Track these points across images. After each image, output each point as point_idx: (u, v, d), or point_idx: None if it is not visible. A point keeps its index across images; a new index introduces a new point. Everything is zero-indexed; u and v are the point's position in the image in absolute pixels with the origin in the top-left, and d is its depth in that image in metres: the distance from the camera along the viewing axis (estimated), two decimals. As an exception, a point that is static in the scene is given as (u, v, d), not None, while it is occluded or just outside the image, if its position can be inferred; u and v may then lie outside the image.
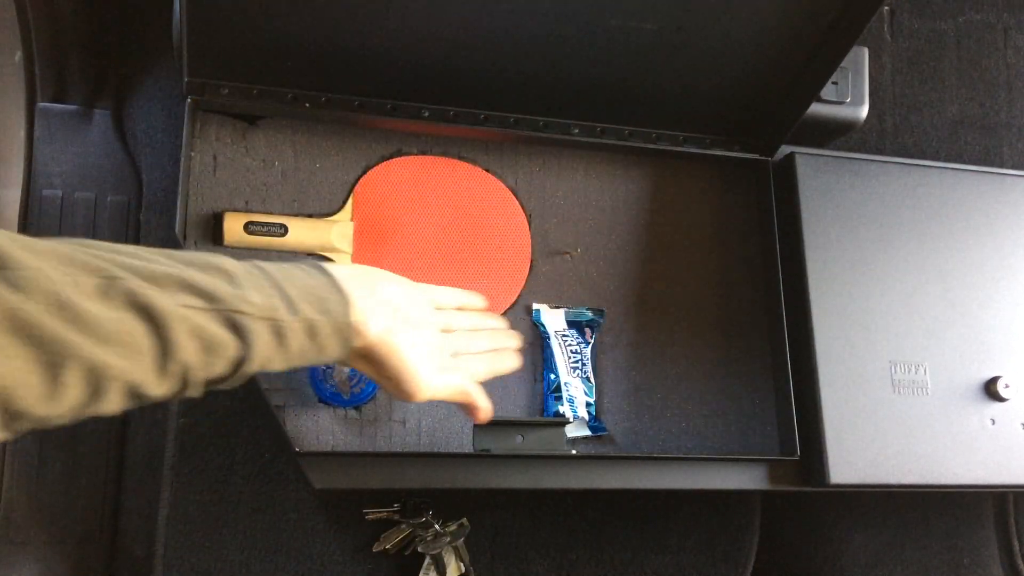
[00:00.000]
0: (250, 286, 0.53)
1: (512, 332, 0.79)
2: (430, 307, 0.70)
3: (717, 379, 0.93)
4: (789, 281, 0.92)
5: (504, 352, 0.77)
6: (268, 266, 0.57)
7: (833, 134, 1.00)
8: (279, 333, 0.54)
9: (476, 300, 0.77)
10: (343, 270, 0.62)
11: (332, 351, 0.59)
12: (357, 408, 0.83)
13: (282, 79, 0.84)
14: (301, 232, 0.85)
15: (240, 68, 0.82)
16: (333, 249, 0.85)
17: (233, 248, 0.83)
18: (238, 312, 0.51)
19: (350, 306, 0.59)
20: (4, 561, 0.97)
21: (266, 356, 0.54)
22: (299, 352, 0.56)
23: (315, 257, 0.85)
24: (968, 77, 1.28)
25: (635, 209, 0.95)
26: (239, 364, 0.52)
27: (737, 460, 0.87)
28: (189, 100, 0.82)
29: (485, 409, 0.72)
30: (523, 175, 0.93)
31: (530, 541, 0.95)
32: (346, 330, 0.59)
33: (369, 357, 0.63)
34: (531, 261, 0.91)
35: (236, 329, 0.51)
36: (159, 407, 0.99)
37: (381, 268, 0.67)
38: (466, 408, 0.72)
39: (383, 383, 0.66)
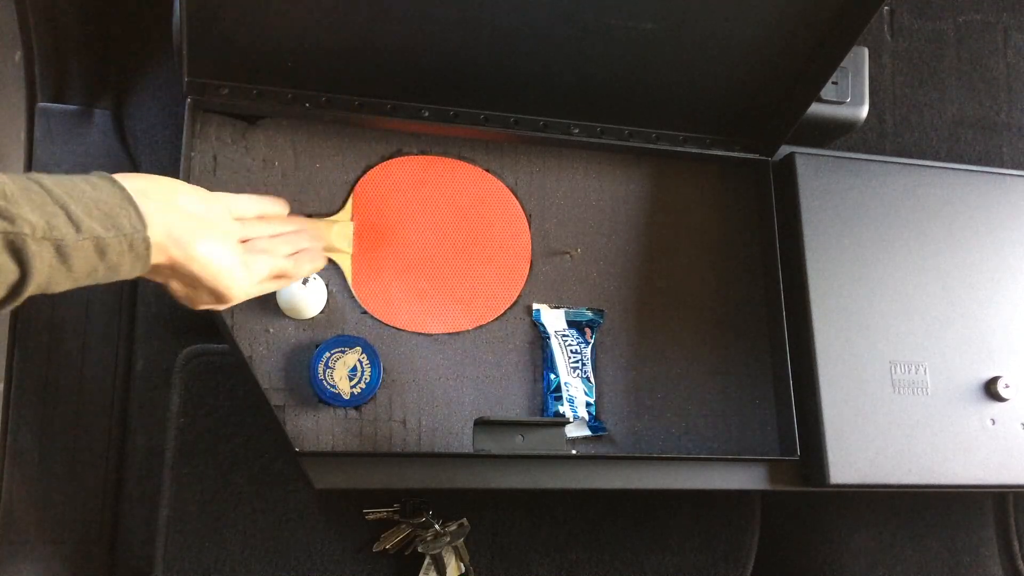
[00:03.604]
0: (27, 204, 0.51)
1: (314, 233, 0.80)
2: (229, 217, 0.69)
3: (717, 379, 0.93)
4: (789, 281, 0.92)
5: (307, 252, 0.77)
6: (49, 180, 0.54)
7: (833, 134, 1.00)
8: (62, 253, 0.52)
9: (276, 207, 0.77)
10: (137, 181, 0.60)
11: (127, 269, 0.57)
12: (357, 408, 0.83)
13: (282, 79, 0.84)
14: (301, 232, 0.84)
15: (240, 68, 0.82)
16: (333, 249, 0.85)
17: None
18: (13, 234, 0.49)
19: (145, 221, 0.57)
20: (4, 561, 0.97)
21: (47, 278, 0.52)
22: (87, 272, 0.55)
23: (315, 257, 0.85)
24: (968, 77, 1.28)
25: (635, 209, 0.95)
26: (17, 288, 0.51)
27: (737, 460, 0.87)
28: (189, 100, 0.82)
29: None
30: (523, 175, 0.93)
31: (530, 541, 0.95)
32: (140, 246, 0.57)
33: (174, 270, 0.62)
34: (531, 261, 0.91)
35: (14, 252, 0.50)
36: (159, 407, 1.00)
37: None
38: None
39: (190, 295, 0.65)
